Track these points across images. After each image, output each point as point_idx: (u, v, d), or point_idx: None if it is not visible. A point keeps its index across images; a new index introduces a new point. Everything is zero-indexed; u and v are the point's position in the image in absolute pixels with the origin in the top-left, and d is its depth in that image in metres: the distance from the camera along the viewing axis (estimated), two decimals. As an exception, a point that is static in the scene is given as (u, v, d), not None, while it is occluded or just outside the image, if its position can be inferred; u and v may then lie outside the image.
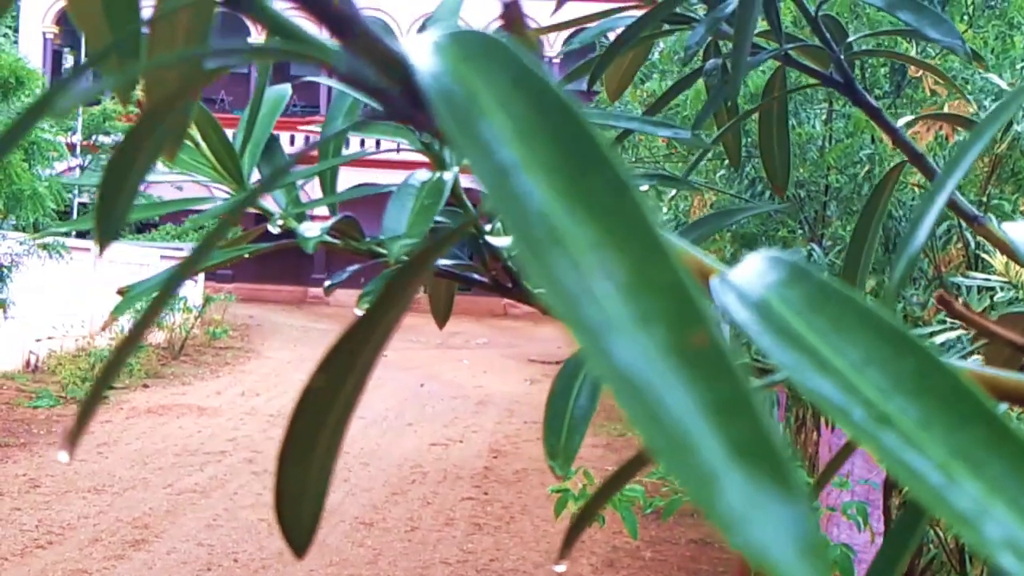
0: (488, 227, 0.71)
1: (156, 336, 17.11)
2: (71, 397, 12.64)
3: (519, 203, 0.20)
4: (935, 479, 0.22)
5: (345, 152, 0.83)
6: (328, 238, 0.70)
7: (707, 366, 0.18)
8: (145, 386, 14.04)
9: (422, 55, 0.26)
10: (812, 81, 0.95)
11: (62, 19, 30.57)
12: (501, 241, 0.70)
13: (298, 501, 0.41)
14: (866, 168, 4.98)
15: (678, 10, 0.92)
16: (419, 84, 0.26)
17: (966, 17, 5.60)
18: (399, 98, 0.29)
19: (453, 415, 12.79)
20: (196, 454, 10.13)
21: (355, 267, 0.74)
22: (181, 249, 20.66)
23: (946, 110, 4.70)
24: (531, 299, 0.73)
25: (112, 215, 0.35)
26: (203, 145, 0.70)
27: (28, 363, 14.45)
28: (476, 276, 0.73)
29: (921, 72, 4.55)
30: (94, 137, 22.69)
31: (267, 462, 9.87)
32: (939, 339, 4.52)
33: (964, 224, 4.85)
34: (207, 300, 18.58)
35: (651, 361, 0.18)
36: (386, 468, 9.81)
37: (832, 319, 0.28)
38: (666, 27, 0.96)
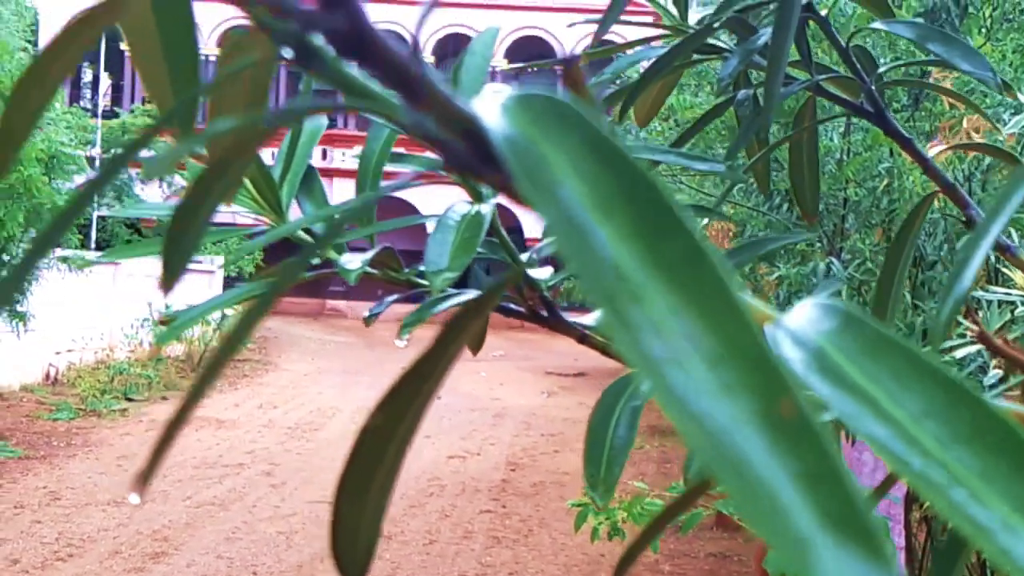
0: (525, 257, 0.72)
1: (175, 349, 17.18)
2: (91, 410, 12.70)
3: (599, 267, 0.21)
4: (998, 530, 0.23)
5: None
6: (369, 269, 0.71)
7: (796, 435, 0.19)
8: (164, 399, 14.09)
9: (492, 117, 0.27)
10: (843, 111, 0.96)
11: (81, 34, 30.63)
12: (539, 273, 0.71)
13: (353, 535, 0.42)
14: (885, 182, 4.97)
15: (708, 40, 0.93)
16: (491, 144, 0.27)
17: (983, 30, 5.60)
18: (463, 152, 0.30)
19: (470, 427, 12.79)
20: (215, 467, 10.16)
21: (394, 297, 0.75)
22: (200, 262, 20.74)
23: (964, 124, 4.69)
24: (567, 329, 0.74)
25: (178, 260, 0.36)
26: (248, 182, 0.72)
27: (48, 376, 14.53)
28: (513, 306, 0.74)
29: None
30: (113, 150, 22.80)
31: (285, 475, 9.89)
32: (959, 353, 4.50)
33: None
34: (225, 313, 18.63)
35: (741, 429, 0.19)
36: (404, 481, 9.81)
37: (888, 368, 0.29)
38: (696, 57, 0.97)
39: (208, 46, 29.60)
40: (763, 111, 0.81)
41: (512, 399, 15.05)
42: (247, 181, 0.72)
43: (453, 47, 30.34)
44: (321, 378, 16.33)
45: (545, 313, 0.74)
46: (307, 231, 0.74)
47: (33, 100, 0.33)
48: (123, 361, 15.37)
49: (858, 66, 0.93)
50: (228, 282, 21.12)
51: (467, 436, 12.26)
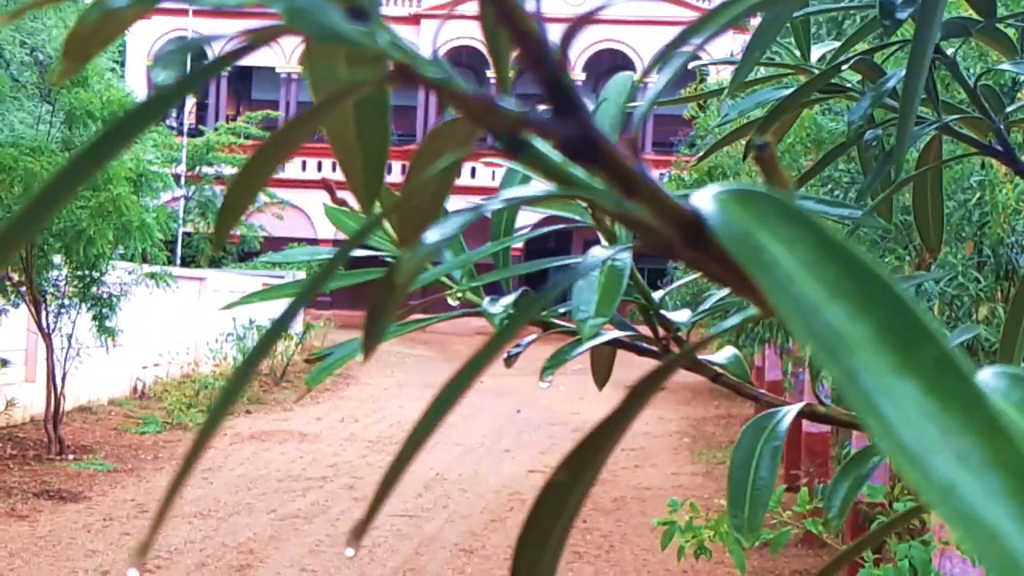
0: (656, 297, 0.74)
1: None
2: (176, 423, 12.95)
3: (855, 376, 0.23)
4: None
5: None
6: (512, 312, 0.73)
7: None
8: (248, 412, 14.32)
9: (713, 213, 0.29)
10: (971, 150, 0.97)
11: (166, 54, 31.27)
12: (676, 315, 0.72)
13: (531, 582, 0.44)
14: (977, 195, 4.90)
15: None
16: (705, 233, 0.29)
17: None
18: (668, 236, 0.32)
19: (550, 441, 12.79)
20: (298, 479, 10.29)
21: (532, 338, 0.77)
22: (282, 277, 21.05)
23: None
24: (701, 370, 0.75)
25: (376, 333, 0.38)
26: (386, 224, 0.74)
27: (135, 389, 14.85)
28: (645, 345, 0.76)
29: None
30: (197, 168, 23.29)
31: (367, 488, 9.98)
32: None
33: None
34: (307, 327, 18.91)
35: (1015, 533, 0.20)
36: (484, 495, 9.85)
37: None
38: (817, 95, 0.98)
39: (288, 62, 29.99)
40: (895, 153, 0.82)
41: (591, 413, 14.97)
42: (387, 225, 0.75)
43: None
44: (401, 392, 16.46)
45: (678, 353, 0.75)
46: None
47: (249, 189, 0.35)
48: (208, 375, 15.65)
49: (986, 105, 0.93)
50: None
51: (547, 450, 12.26)
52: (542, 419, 14.34)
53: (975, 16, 0.90)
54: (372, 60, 0.37)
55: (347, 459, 11.38)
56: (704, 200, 0.29)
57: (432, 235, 0.34)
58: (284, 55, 31.60)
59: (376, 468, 10.95)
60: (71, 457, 10.75)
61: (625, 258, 0.64)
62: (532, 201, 0.36)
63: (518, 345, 0.78)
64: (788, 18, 0.88)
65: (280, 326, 0.33)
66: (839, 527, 0.71)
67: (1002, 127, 0.94)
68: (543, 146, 0.34)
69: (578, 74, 32.51)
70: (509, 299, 0.73)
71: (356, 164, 0.42)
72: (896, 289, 0.24)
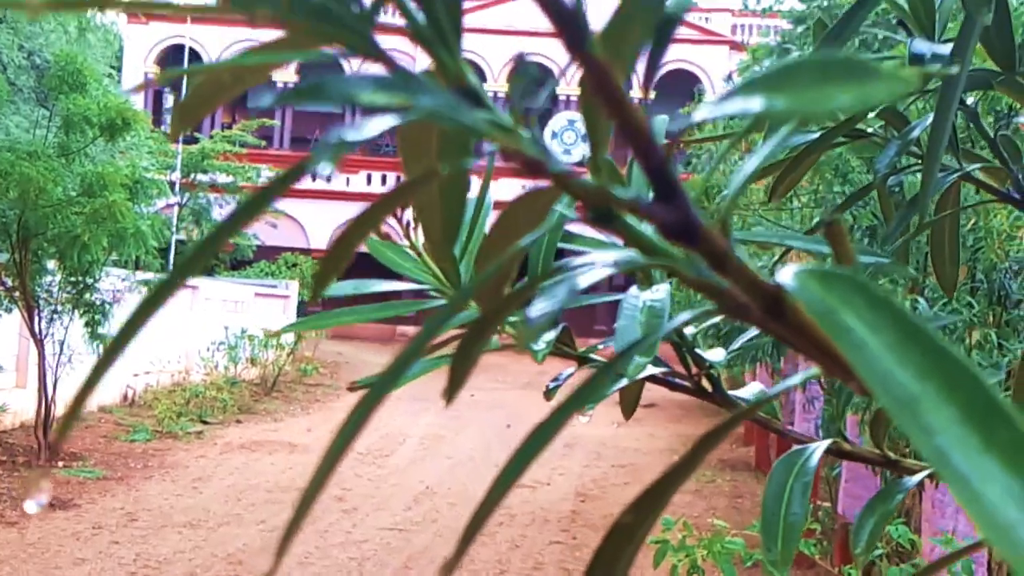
0: (688, 333, 0.77)
1: (249, 372, 17.43)
2: (167, 431, 12.93)
3: (947, 455, 0.26)
4: None
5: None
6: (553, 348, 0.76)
7: None
8: (238, 422, 14.31)
9: (798, 290, 0.32)
10: (989, 197, 1.00)
11: (164, 60, 31.48)
12: (710, 354, 0.76)
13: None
14: (971, 220, 4.95)
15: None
16: (796, 311, 0.32)
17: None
18: (747, 305, 0.35)
19: (540, 457, 12.78)
20: (287, 491, 10.28)
21: (570, 371, 0.80)
22: (275, 287, 21.06)
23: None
24: (731, 406, 0.78)
25: (462, 374, 0.41)
26: (427, 257, 0.77)
27: (125, 397, 14.83)
28: (678, 380, 0.79)
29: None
30: (192, 175, 23.29)
31: (356, 500, 9.99)
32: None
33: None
34: (299, 337, 18.91)
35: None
36: (472, 509, 9.86)
37: None
38: (840, 139, 1.02)
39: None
40: (920, 200, 0.85)
41: (582, 429, 15.01)
42: (427, 257, 0.78)
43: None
44: (391, 404, 16.19)
45: (710, 388, 0.79)
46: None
47: (342, 258, 0.38)
48: (199, 384, 15.63)
49: (1005, 155, 0.97)
50: (301, 306, 21.48)
51: (536, 465, 12.22)
52: (532, 434, 14.32)
53: (996, 68, 0.94)
54: (460, 143, 0.40)
55: (337, 471, 11.37)
56: (787, 277, 0.32)
57: (537, 308, 0.37)
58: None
59: (365, 480, 10.95)
60: (61, 464, 10.73)
61: (663, 297, 0.67)
62: (622, 268, 0.39)
63: (557, 379, 0.81)
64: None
65: (416, 346, 0.36)
66: (866, 561, 0.75)
67: (1020, 176, 0.98)
68: (630, 219, 0.37)
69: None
70: (551, 335, 0.76)
71: (436, 221, 0.45)
72: (975, 374, 0.27)
